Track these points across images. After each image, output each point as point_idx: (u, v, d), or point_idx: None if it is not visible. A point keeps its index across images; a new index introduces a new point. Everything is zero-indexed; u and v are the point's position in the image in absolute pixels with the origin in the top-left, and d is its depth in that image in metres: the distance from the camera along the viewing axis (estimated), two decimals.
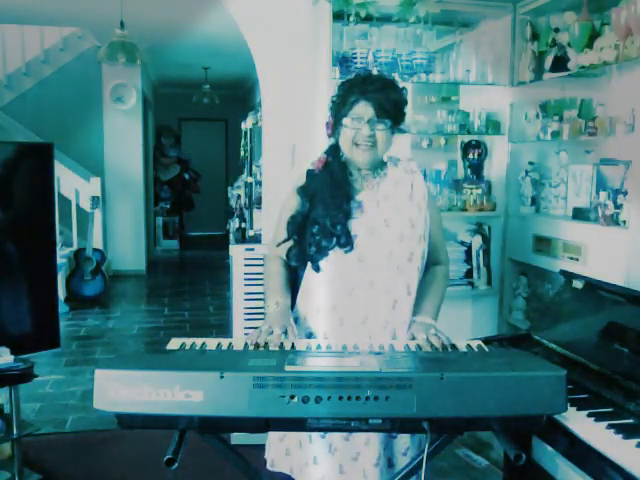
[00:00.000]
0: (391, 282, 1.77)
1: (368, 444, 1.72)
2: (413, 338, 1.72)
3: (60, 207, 5.45)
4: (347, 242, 1.74)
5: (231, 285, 3.15)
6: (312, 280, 1.82)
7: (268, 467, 1.87)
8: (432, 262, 1.90)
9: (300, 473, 1.79)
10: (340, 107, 1.78)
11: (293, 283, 1.89)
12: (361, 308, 1.76)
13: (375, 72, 2.04)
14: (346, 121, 1.75)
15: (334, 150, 1.84)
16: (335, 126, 1.81)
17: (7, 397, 2.55)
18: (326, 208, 1.76)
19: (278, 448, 1.85)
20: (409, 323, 1.78)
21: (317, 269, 1.78)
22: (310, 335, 1.81)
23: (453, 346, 1.65)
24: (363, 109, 1.73)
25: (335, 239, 1.74)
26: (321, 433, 1.71)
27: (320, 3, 2.90)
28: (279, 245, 1.87)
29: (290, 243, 1.83)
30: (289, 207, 1.84)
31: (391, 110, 1.75)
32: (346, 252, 1.75)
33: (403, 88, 1.82)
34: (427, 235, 1.84)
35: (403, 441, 1.77)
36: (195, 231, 11.21)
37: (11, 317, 2.78)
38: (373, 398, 1.28)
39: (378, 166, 1.83)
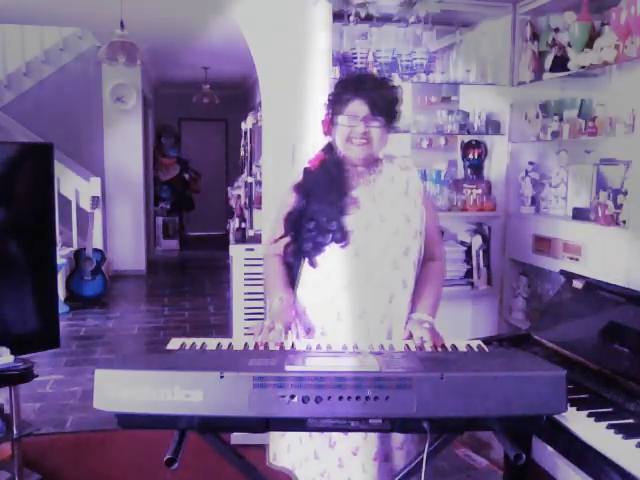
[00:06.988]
0: (387, 276, 1.79)
1: (366, 438, 1.73)
2: (410, 336, 1.72)
3: (60, 207, 5.45)
4: (342, 237, 1.76)
5: (231, 285, 3.15)
6: (309, 275, 1.84)
7: (271, 461, 1.88)
8: (427, 258, 1.91)
9: (301, 468, 1.80)
10: (335, 105, 1.81)
11: (294, 279, 1.90)
12: (358, 302, 1.77)
13: (375, 72, 2.06)
14: (341, 119, 1.78)
15: (330, 148, 1.87)
16: (331, 124, 1.84)
17: (7, 397, 2.55)
18: (322, 204, 1.78)
19: (280, 444, 1.86)
20: (406, 320, 1.79)
21: (313, 264, 1.80)
22: (309, 330, 1.83)
23: (453, 346, 1.66)
24: (358, 107, 1.76)
25: (331, 235, 1.76)
26: None
27: (320, 3, 2.90)
28: (276, 241, 1.90)
29: (287, 239, 1.85)
30: (286, 204, 1.87)
31: (385, 108, 1.77)
32: (342, 247, 1.76)
33: (397, 86, 1.85)
34: (423, 230, 1.85)
35: (399, 435, 1.78)
36: (195, 231, 11.21)
37: (11, 317, 2.78)
38: (373, 398, 1.28)
39: (373, 163, 1.86)
